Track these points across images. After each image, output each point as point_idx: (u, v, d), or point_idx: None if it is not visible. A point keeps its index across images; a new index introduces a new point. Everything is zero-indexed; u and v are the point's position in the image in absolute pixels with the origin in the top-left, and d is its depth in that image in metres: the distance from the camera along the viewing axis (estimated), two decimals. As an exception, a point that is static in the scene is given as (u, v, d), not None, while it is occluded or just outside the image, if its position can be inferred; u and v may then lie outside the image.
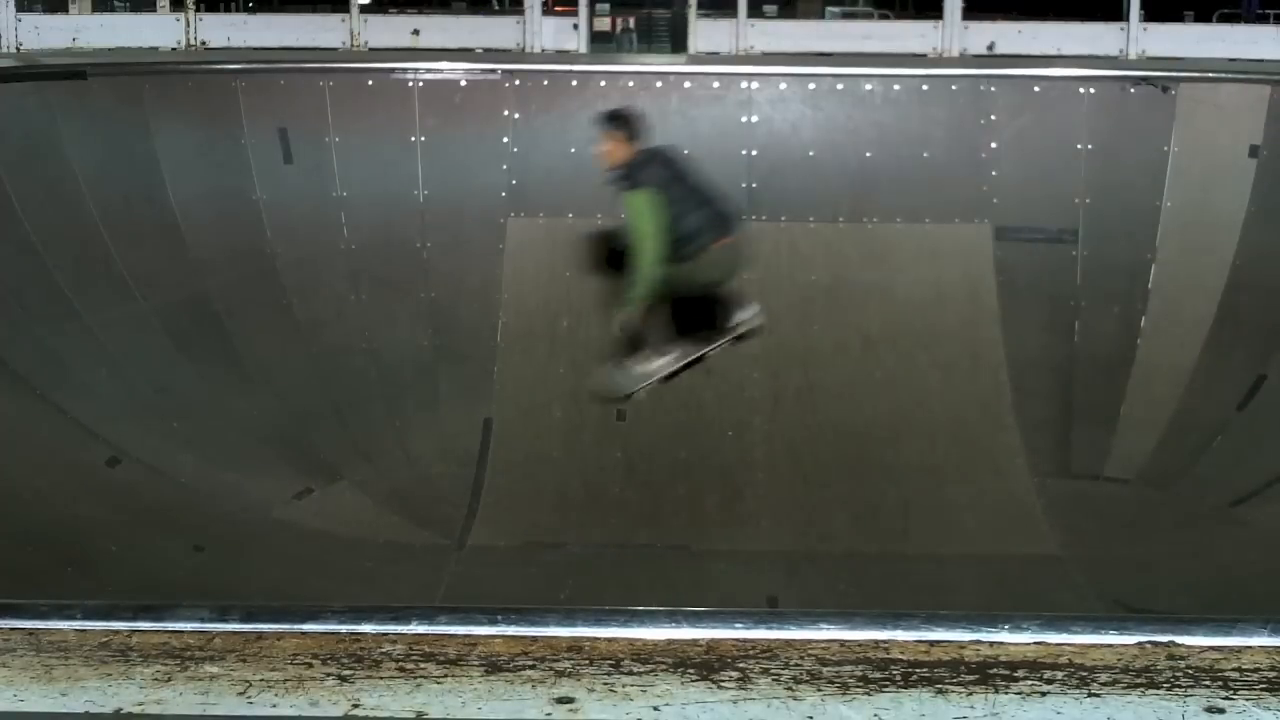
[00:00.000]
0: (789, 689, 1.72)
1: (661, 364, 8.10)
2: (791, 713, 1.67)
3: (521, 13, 11.32)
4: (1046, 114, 9.29)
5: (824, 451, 8.38)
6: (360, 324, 8.94)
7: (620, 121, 7.45)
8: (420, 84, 9.31)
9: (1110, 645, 1.88)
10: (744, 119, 9.29)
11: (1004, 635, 1.89)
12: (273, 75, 9.46)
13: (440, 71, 9.40)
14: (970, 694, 1.73)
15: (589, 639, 1.86)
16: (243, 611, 1.98)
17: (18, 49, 10.74)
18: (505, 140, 9.26)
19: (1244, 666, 1.82)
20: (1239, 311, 8.77)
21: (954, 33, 11.10)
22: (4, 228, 8.19)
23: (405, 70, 9.36)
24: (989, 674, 1.77)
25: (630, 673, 1.76)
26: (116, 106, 9.01)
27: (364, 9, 11.72)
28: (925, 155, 9.21)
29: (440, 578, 7.29)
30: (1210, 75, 9.54)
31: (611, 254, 8.27)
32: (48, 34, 11.04)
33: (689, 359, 8.12)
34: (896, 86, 9.34)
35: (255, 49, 11.09)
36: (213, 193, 8.98)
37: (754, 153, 9.24)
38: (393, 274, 9.07)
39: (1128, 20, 11.20)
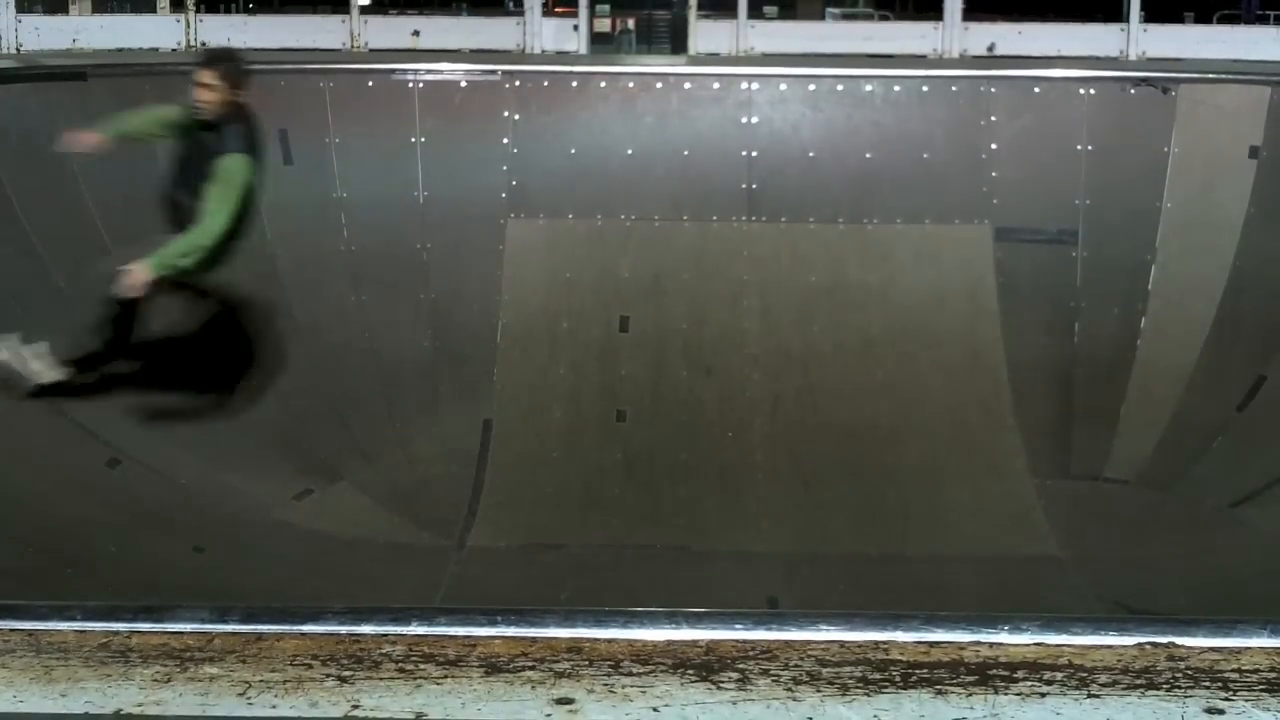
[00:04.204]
0: (788, 690, 1.72)
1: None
2: (791, 714, 1.67)
3: (522, 14, 11.33)
4: (1046, 115, 9.29)
5: (824, 452, 8.39)
6: (360, 325, 8.94)
7: (228, 64, 6.82)
8: (420, 85, 9.31)
9: (1110, 646, 1.88)
10: (744, 120, 9.29)
11: (1004, 636, 1.90)
12: (273, 76, 9.44)
13: (440, 72, 9.40)
14: (970, 695, 1.73)
15: (589, 640, 1.86)
16: (243, 612, 1.99)
17: (18, 50, 10.74)
18: (505, 141, 9.25)
19: (1243, 668, 1.82)
20: (1239, 312, 8.77)
21: (954, 34, 11.10)
22: (4, 228, 8.19)
23: (405, 71, 9.36)
24: (988, 675, 1.78)
25: (630, 674, 1.76)
26: (117, 107, 8.99)
27: (364, 10, 11.72)
28: (925, 156, 9.21)
29: (440, 578, 7.29)
30: (1210, 76, 9.53)
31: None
32: (48, 35, 11.03)
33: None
34: (897, 87, 9.33)
35: (255, 50, 11.08)
36: (213, 193, 8.96)
37: (754, 154, 9.23)
38: (393, 275, 9.07)
39: (1128, 21, 11.21)
